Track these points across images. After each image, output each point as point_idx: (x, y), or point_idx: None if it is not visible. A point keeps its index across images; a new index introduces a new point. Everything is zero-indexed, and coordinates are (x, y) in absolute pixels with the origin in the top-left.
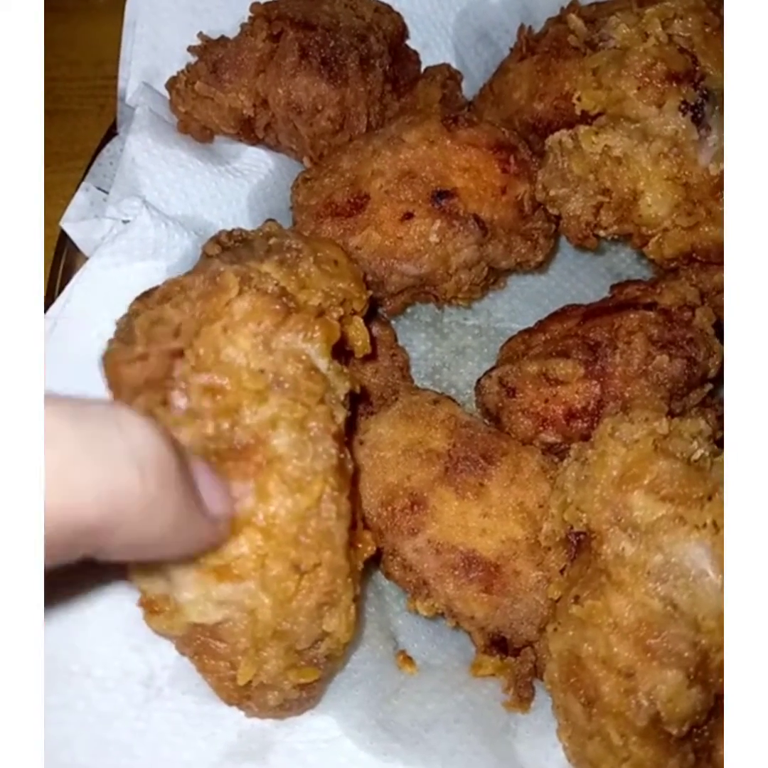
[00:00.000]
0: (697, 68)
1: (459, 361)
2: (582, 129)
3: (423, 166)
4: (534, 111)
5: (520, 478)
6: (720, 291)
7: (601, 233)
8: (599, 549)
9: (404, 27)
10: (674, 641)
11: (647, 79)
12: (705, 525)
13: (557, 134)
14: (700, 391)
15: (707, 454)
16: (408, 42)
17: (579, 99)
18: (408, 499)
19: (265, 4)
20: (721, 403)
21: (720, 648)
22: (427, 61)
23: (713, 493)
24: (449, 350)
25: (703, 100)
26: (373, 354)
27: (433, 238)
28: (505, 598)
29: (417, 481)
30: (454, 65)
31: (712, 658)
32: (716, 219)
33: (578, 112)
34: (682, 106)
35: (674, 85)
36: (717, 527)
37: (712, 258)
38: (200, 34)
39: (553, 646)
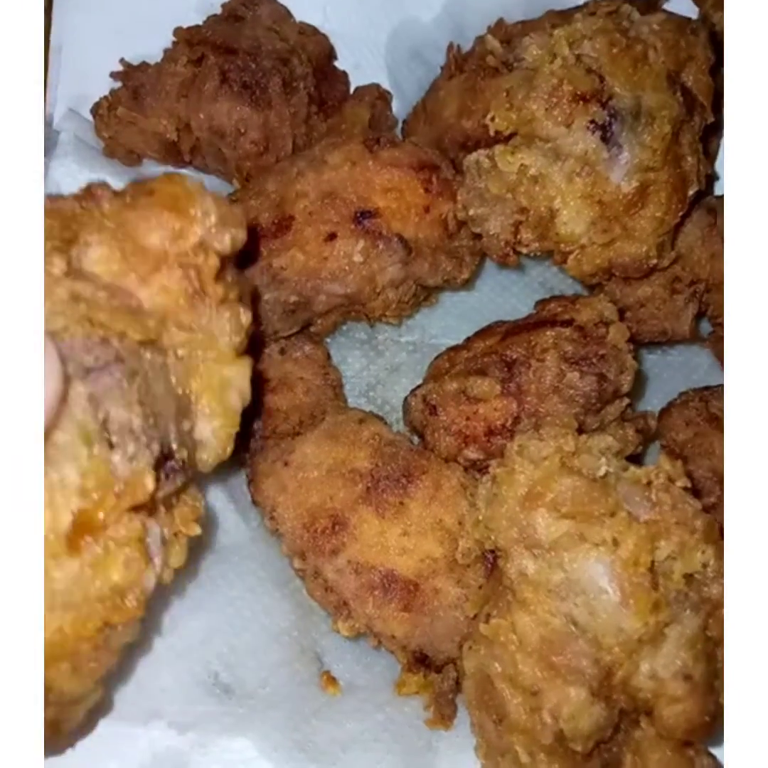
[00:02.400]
0: (605, 88)
1: (394, 378)
2: (498, 149)
3: (345, 186)
4: (463, 129)
5: (441, 495)
6: (643, 304)
7: (523, 250)
8: (505, 567)
9: (331, 48)
10: (576, 658)
11: (554, 100)
12: (604, 542)
13: (474, 154)
14: (618, 405)
15: (612, 469)
16: (340, 62)
17: (492, 120)
18: (330, 520)
19: (188, 28)
20: (643, 416)
21: (622, 664)
22: (359, 80)
23: (616, 509)
24: (384, 367)
25: (611, 120)
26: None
27: (357, 258)
28: (425, 616)
29: (339, 502)
30: (387, 84)
31: (614, 674)
32: (631, 235)
33: (492, 133)
34: (591, 126)
35: (581, 104)
36: (617, 544)
37: (629, 273)
38: (122, 60)
39: (467, 664)
